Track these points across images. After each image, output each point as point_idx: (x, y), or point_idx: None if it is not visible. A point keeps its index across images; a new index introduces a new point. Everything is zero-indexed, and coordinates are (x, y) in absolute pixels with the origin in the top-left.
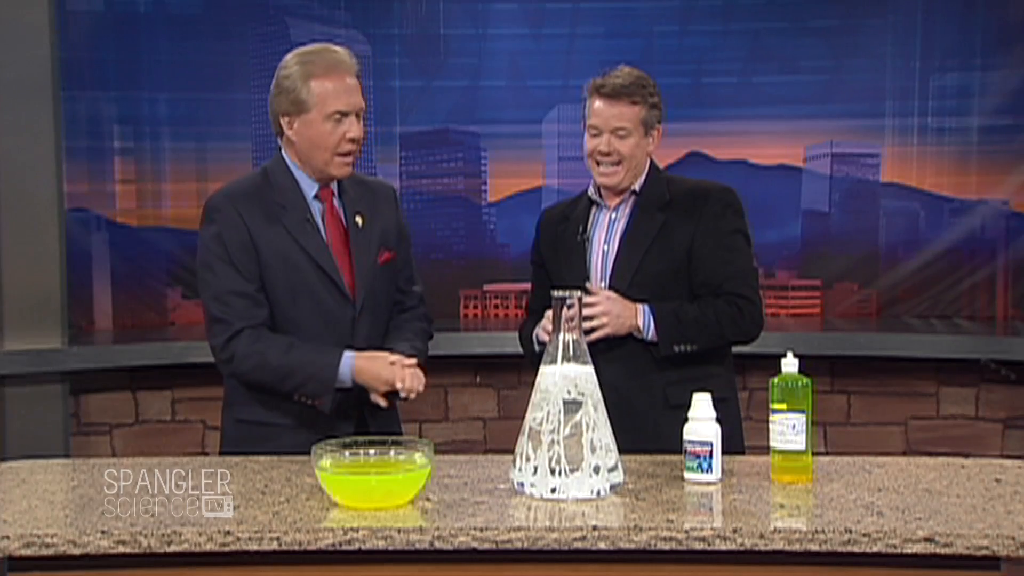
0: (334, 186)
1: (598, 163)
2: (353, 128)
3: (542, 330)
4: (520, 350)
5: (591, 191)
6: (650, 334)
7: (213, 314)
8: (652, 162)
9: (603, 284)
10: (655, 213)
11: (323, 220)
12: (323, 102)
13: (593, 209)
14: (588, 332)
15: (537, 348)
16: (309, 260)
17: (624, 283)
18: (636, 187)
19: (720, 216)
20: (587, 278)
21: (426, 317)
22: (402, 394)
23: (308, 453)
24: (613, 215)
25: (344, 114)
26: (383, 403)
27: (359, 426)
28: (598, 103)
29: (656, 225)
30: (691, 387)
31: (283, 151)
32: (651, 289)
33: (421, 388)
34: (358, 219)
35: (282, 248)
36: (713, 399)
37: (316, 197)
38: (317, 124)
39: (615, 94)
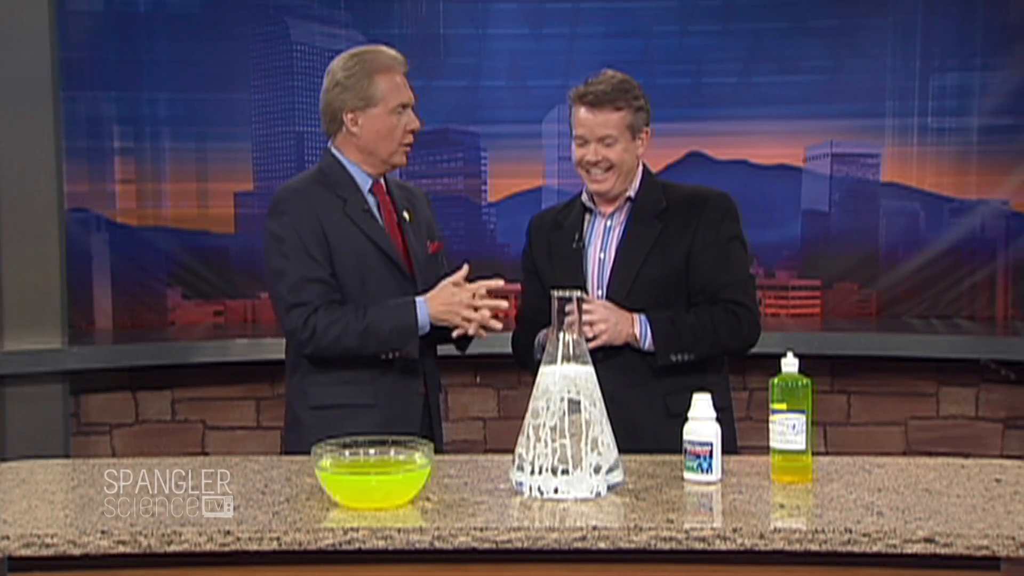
0: (383, 183)
1: (588, 171)
2: (413, 120)
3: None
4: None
5: (584, 197)
6: (647, 343)
7: (290, 301)
8: (645, 167)
9: (600, 293)
10: (652, 220)
11: (379, 212)
12: (388, 96)
13: (587, 216)
14: (586, 341)
15: (539, 356)
16: (374, 246)
17: (623, 292)
18: (631, 193)
19: (718, 223)
20: (584, 287)
21: None
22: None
23: (383, 434)
24: (609, 222)
25: (405, 106)
26: (481, 334)
27: (425, 406)
28: (583, 112)
29: (654, 233)
30: (686, 399)
31: (334, 149)
32: (649, 297)
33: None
34: (406, 214)
35: (349, 236)
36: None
37: (370, 191)
38: (383, 117)
39: (598, 102)
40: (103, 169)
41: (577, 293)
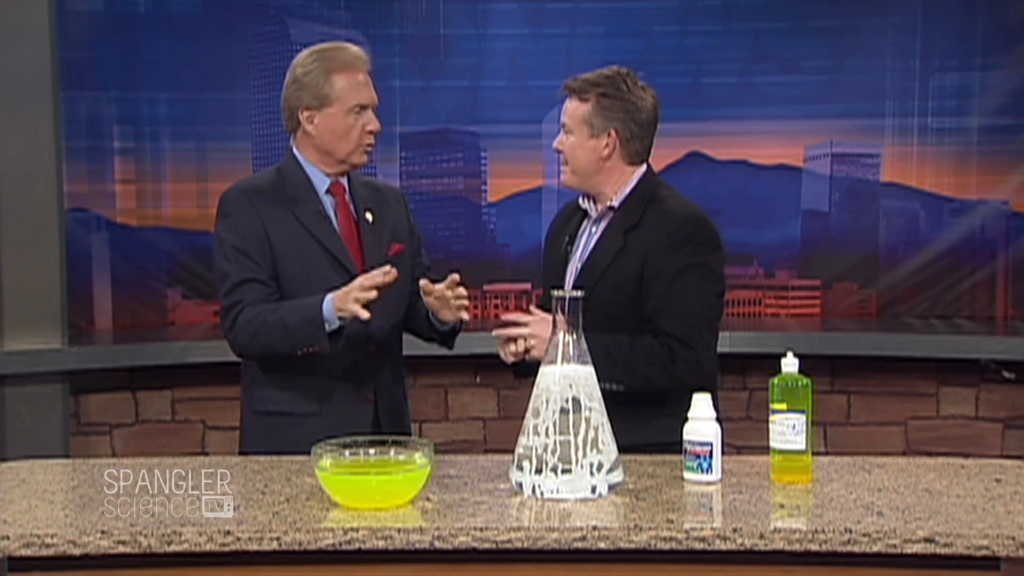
0: (345, 183)
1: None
2: (372, 121)
3: (499, 347)
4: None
5: (581, 198)
6: None
7: (226, 303)
8: (647, 174)
9: None
10: (619, 235)
11: (335, 214)
12: (345, 96)
13: (585, 219)
14: (526, 352)
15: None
16: (321, 248)
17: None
18: (615, 203)
19: (675, 250)
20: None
21: None
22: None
23: (327, 439)
24: (593, 229)
25: (364, 107)
26: (364, 315)
27: (375, 414)
28: (564, 100)
29: (615, 248)
30: (630, 428)
31: (294, 148)
32: (599, 315)
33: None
34: (368, 215)
35: (295, 238)
36: (657, 444)
37: (328, 192)
38: (339, 117)
39: (570, 90)
40: (103, 169)
41: (578, 293)
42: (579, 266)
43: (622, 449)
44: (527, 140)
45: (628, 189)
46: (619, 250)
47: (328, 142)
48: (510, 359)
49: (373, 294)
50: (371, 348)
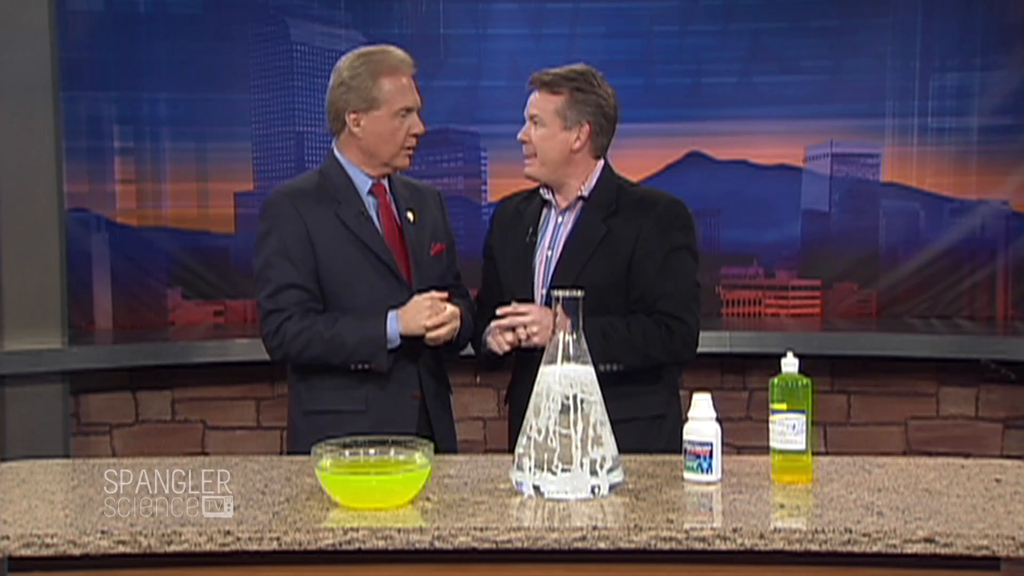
0: (386, 183)
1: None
2: (417, 124)
3: (492, 337)
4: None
5: (543, 190)
6: None
7: (267, 308)
8: (607, 167)
9: (544, 291)
10: (599, 222)
11: (377, 214)
12: (392, 99)
13: (545, 210)
14: (520, 342)
15: (484, 351)
16: (364, 249)
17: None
18: (584, 192)
19: (663, 232)
20: (531, 282)
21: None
22: (438, 328)
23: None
24: (560, 219)
25: (409, 110)
26: (442, 336)
27: (422, 410)
28: (530, 94)
29: (599, 235)
30: (621, 404)
31: (336, 150)
32: (589, 301)
33: (450, 323)
34: (409, 215)
35: (338, 239)
36: (647, 417)
37: (370, 193)
38: (386, 120)
39: (540, 82)
40: (103, 169)
41: (579, 293)
42: (552, 255)
43: (616, 424)
44: None
45: (594, 180)
46: (603, 236)
47: (374, 144)
48: (505, 348)
49: (451, 321)
50: (416, 346)
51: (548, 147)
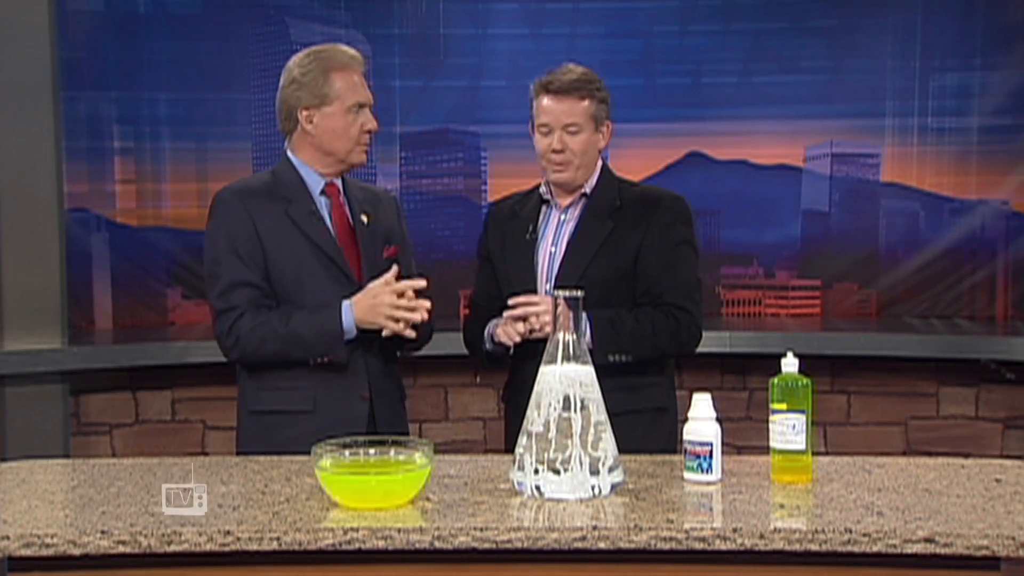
0: (339, 184)
1: (550, 161)
2: (370, 120)
3: (501, 329)
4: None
5: (542, 189)
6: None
7: (219, 307)
8: (604, 164)
9: (548, 286)
10: (604, 219)
11: (329, 215)
12: (344, 95)
13: (544, 208)
14: (531, 332)
15: (488, 346)
16: (314, 247)
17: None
18: (587, 189)
19: (669, 226)
20: (534, 279)
21: None
22: (410, 319)
23: (322, 439)
24: (563, 216)
25: (362, 106)
26: (409, 334)
27: (370, 412)
28: (546, 101)
29: (605, 231)
30: (626, 396)
31: (288, 150)
32: (595, 295)
33: (420, 313)
34: (363, 217)
35: (287, 238)
36: (651, 409)
37: (322, 193)
38: (339, 116)
39: (563, 90)
40: (103, 169)
41: (579, 293)
42: (556, 251)
43: (621, 416)
44: (527, 140)
45: (595, 178)
46: (610, 231)
47: (327, 141)
48: (515, 339)
49: (410, 315)
50: (365, 346)
51: (588, 150)
